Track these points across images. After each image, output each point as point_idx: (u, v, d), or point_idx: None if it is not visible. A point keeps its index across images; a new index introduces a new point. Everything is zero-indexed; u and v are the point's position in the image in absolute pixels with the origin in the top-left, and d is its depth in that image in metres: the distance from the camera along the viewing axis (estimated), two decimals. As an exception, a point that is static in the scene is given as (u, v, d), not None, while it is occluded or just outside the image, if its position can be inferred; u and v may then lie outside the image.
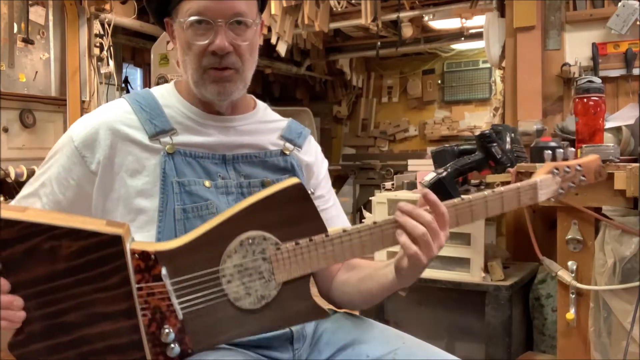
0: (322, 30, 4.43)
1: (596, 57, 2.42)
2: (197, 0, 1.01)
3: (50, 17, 3.57)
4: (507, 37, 2.66)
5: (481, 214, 1.00)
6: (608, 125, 1.97)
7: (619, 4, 2.33)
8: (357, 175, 6.21)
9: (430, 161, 2.22)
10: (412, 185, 2.48)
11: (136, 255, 0.88)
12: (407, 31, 5.09)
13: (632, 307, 1.64)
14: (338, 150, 7.27)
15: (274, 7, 3.93)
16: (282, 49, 4.26)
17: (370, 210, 2.44)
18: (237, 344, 0.99)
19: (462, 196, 0.99)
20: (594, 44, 2.43)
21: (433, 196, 0.94)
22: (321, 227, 0.95)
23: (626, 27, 2.32)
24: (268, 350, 1.03)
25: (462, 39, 5.53)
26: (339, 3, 4.13)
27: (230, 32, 1.02)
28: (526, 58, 2.55)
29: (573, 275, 1.81)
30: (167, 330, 0.89)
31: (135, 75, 5.41)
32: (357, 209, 5.90)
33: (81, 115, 2.61)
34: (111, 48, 3.80)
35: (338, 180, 6.29)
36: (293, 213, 0.93)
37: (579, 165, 1.05)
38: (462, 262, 2.14)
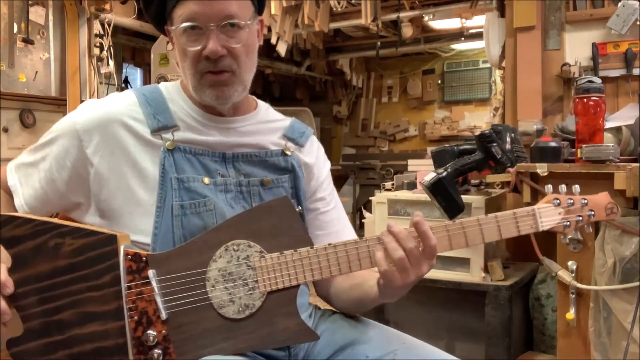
0: (322, 30, 4.42)
1: (596, 57, 2.42)
2: (188, 6, 1.01)
3: (50, 17, 3.57)
4: (507, 37, 2.66)
5: (477, 238, 0.96)
6: (608, 125, 1.97)
7: (619, 4, 2.33)
8: (357, 175, 6.21)
9: (430, 161, 2.21)
10: (412, 185, 2.48)
11: (129, 256, 0.92)
12: (407, 31, 5.09)
13: (632, 307, 1.64)
14: (338, 150, 7.27)
15: (274, 7, 3.92)
16: (282, 49, 4.26)
17: (370, 211, 2.44)
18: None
19: (455, 220, 0.97)
20: (594, 44, 2.43)
21: (425, 227, 0.91)
22: (307, 241, 0.96)
23: (626, 27, 2.32)
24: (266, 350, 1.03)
25: (462, 39, 5.53)
26: (339, 3, 4.13)
27: (223, 35, 1.01)
28: (526, 58, 2.55)
29: (573, 275, 1.81)
30: (152, 335, 0.90)
31: (135, 75, 5.40)
32: (357, 209, 5.90)
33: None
34: (111, 48, 3.80)
35: (338, 180, 6.29)
36: (279, 225, 0.95)
37: (584, 199, 1.02)
38: (462, 262, 2.14)
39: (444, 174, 1.89)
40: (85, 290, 0.91)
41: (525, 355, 2.24)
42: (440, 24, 5.34)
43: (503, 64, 2.84)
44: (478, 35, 4.76)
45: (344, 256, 0.94)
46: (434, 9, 4.55)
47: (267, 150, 1.12)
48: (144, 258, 0.92)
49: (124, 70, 4.90)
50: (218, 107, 1.08)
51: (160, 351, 0.90)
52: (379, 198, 2.33)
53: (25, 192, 1.06)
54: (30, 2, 3.37)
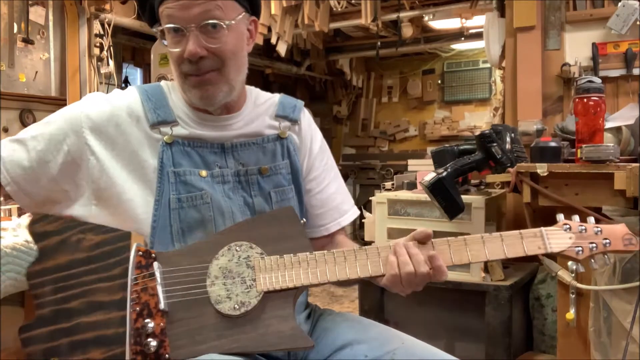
0: (322, 30, 4.42)
1: (596, 57, 2.42)
2: (168, 7, 1.01)
3: (50, 17, 3.57)
4: (507, 37, 2.66)
5: (480, 254, 0.99)
6: (608, 125, 1.97)
7: (619, 4, 2.33)
8: (357, 175, 6.21)
9: (430, 161, 2.22)
10: (412, 185, 2.48)
11: (140, 252, 0.97)
12: (407, 31, 5.09)
13: (632, 307, 1.64)
14: (338, 151, 7.26)
15: (274, 7, 3.92)
16: (282, 49, 4.26)
17: (370, 210, 2.44)
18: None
19: (459, 237, 1.00)
20: (594, 44, 2.43)
21: (439, 262, 0.96)
22: (307, 247, 0.99)
23: (626, 27, 2.32)
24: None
25: (462, 39, 5.52)
26: (339, 3, 4.13)
27: (204, 35, 1.01)
28: (526, 58, 2.55)
29: (573, 275, 1.81)
30: (150, 327, 0.92)
31: (135, 75, 5.40)
32: (357, 209, 5.90)
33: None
34: (111, 48, 3.79)
35: (338, 181, 6.27)
36: (282, 233, 1.00)
37: (597, 227, 1.00)
38: (462, 262, 2.14)
39: (444, 174, 1.89)
40: (97, 282, 0.96)
41: (525, 355, 2.24)
42: (440, 24, 5.33)
43: (503, 64, 2.84)
44: (478, 35, 4.76)
45: (342, 262, 0.97)
46: (434, 9, 4.55)
47: (264, 136, 1.13)
48: (153, 255, 0.98)
49: (124, 70, 4.89)
50: (207, 108, 1.08)
51: (155, 344, 0.92)
52: (379, 198, 2.33)
53: (11, 169, 1.05)
54: (30, 2, 3.36)
